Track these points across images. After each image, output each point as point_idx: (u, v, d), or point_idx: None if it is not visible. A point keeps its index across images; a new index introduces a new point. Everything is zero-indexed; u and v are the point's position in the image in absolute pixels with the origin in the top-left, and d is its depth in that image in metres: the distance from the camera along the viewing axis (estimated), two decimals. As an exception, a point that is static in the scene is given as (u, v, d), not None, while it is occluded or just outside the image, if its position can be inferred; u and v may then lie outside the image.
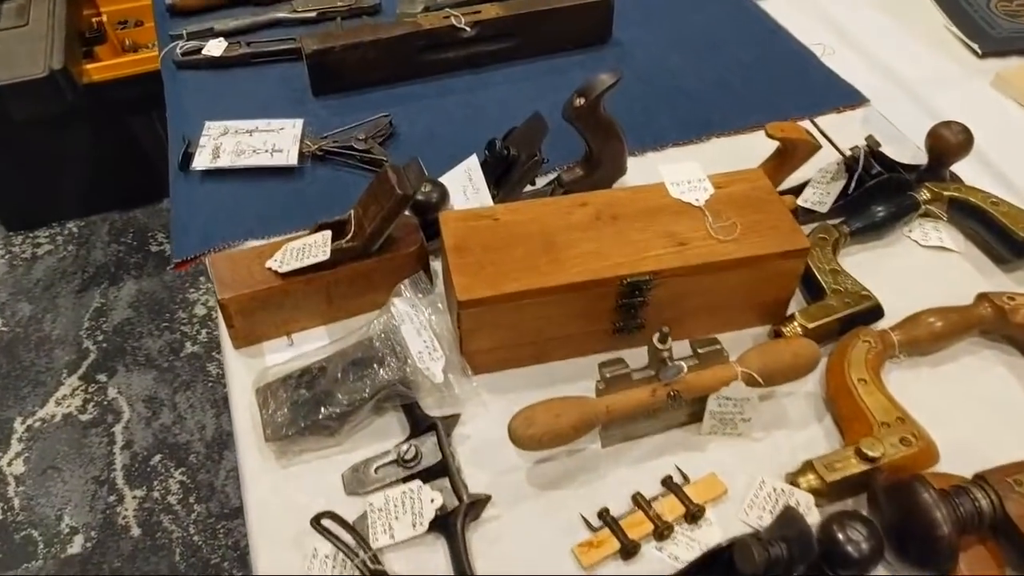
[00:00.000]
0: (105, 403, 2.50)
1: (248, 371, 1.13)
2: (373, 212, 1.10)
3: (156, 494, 2.29)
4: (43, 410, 2.48)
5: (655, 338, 1.00)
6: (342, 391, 1.04)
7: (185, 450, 2.38)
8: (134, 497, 2.28)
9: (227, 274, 1.12)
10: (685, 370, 1.00)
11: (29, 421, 2.45)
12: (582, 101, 1.21)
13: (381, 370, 1.05)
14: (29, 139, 2.70)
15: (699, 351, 1.02)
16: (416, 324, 1.09)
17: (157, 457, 2.37)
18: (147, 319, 2.73)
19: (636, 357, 1.05)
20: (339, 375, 1.06)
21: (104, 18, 2.93)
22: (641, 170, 1.37)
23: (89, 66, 2.67)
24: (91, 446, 2.40)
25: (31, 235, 3.00)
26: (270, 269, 1.11)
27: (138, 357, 2.62)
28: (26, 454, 2.38)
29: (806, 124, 1.48)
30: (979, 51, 1.70)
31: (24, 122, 2.53)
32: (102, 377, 2.57)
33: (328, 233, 1.12)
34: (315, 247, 1.11)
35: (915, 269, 1.28)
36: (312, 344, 1.15)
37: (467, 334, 1.07)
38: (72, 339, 2.68)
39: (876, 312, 1.16)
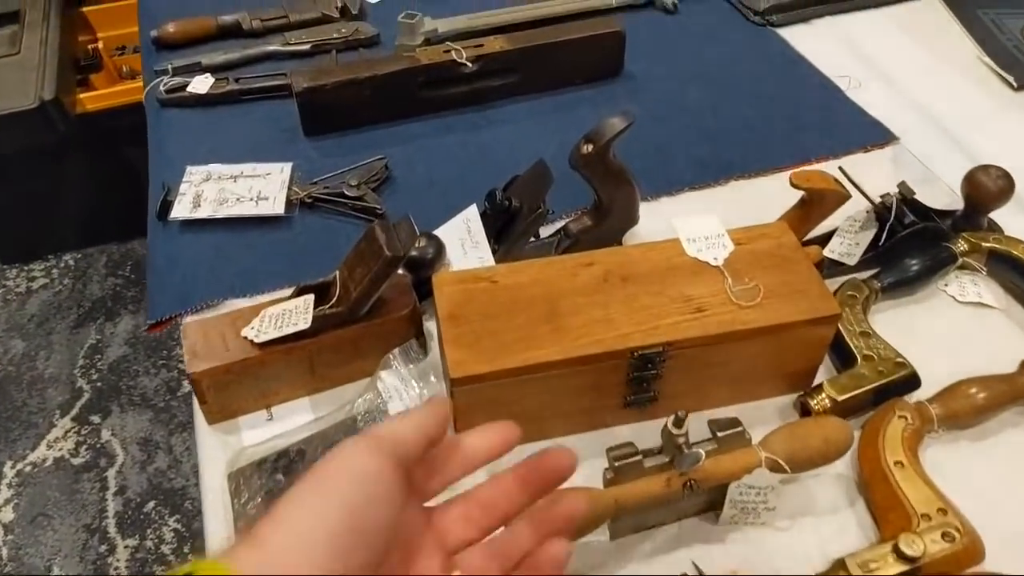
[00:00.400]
0: (98, 446, 2.42)
1: (223, 450, 1.02)
2: (360, 274, 1.00)
3: (149, 543, 2.20)
4: (34, 454, 2.40)
5: (670, 422, 0.89)
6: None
7: (180, 496, 2.29)
8: (126, 547, 2.19)
9: (199, 344, 1.02)
10: (703, 458, 0.89)
11: (20, 466, 2.37)
12: (590, 148, 1.11)
13: None
14: (23, 170, 2.62)
15: (719, 434, 0.92)
16: (406, 400, 0.99)
17: (151, 504, 2.28)
18: (143, 356, 2.64)
19: (648, 431, 0.97)
20: (319, 460, 0.95)
21: (100, 44, 2.85)
22: (655, 216, 1.27)
23: (83, 95, 2.59)
24: (83, 492, 2.31)
25: (26, 268, 2.92)
26: (246, 338, 1.01)
27: (133, 397, 2.53)
28: (16, 500, 2.29)
29: (831, 166, 1.38)
30: (1014, 84, 1.59)
31: (15, 154, 2.45)
32: (95, 418, 2.48)
33: (310, 298, 1.02)
34: (295, 314, 1.01)
35: (952, 328, 1.17)
36: (294, 417, 1.05)
37: (461, 413, 0.97)
38: (66, 378, 2.59)
39: (912, 382, 1.05)
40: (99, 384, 2.57)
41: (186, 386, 2.53)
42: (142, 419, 2.47)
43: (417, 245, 1.10)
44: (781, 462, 0.90)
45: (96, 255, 2.96)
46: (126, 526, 2.23)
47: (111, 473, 2.35)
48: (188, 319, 1.16)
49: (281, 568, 0.52)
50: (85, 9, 2.89)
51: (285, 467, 0.96)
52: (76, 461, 2.38)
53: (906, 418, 0.99)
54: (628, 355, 0.95)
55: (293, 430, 1.01)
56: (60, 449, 2.41)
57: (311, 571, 0.52)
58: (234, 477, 0.97)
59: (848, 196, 1.14)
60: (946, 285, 1.21)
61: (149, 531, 2.22)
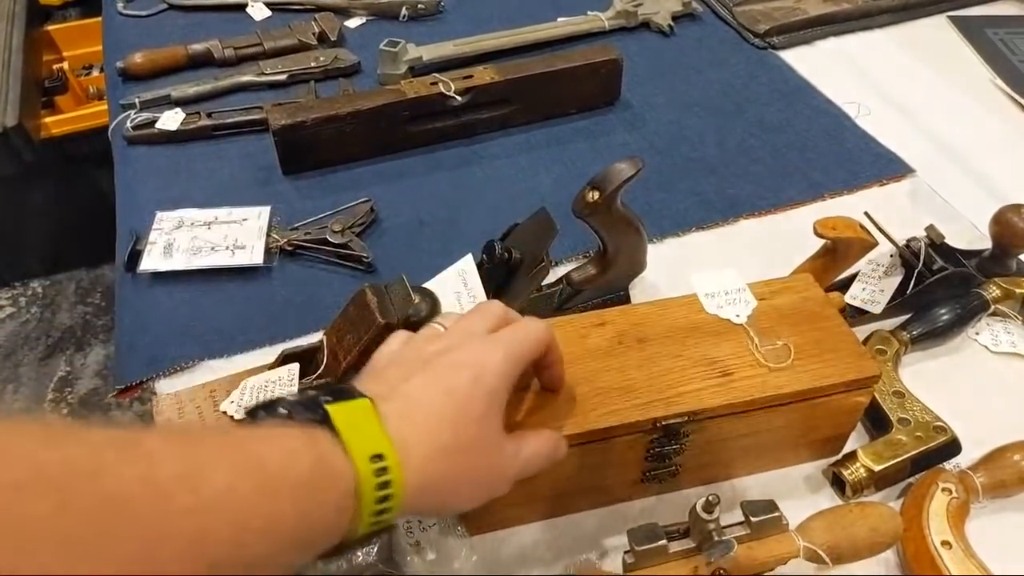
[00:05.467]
0: (69, 489, 2.30)
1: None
2: (349, 343, 0.91)
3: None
4: (1, 499, 2.28)
5: (700, 506, 0.81)
6: (312, 572, 0.85)
7: (155, 540, 2.18)
8: (98, 597, 2.08)
9: (174, 421, 0.93)
10: (735, 548, 0.81)
11: (-15, 511, 2.25)
12: (596, 195, 1.02)
13: (360, 548, 0.86)
14: (-13, 196, 2.52)
15: (753, 520, 0.83)
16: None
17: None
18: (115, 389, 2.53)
19: (668, 505, 0.92)
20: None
21: (66, 65, 2.74)
22: (662, 260, 1.18)
23: (49, 119, 2.49)
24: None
25: (-8, 297, 2.81)
26: (225, 413, 0.92)
27: (105, 433, 2.42)
28: (-19, 549, 2.18)
29: (847, 202, 1.31)
30: (1030, 108, 1.52)
31: (-22, 182, 2.36)
32: (66, 458, 2.37)
33: (295, 368, 0.93)
34: (279, 386, 0.92)
35: (986, 381, 1.09)
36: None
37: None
38: (34, 413, 2.48)
39: (953, 448, 0.97)
40: (69, 419, 2.46)
41: (160, 422, 2.43)
42: (114, 457, 2.36)
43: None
44: (822, 553, 0.81)
45: (64, 282, 2.85)
46: None
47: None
48: (161, 388, 1.07)
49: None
50: (50, 27, 2.79)
51: None
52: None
53: (950, 491, 0.90)
54: (650, 425, 0.86)
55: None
56: (28, 493, 2.30)
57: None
58: None
59: (875, 244, 1.06)
60: (977, 334, 1.13)
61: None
